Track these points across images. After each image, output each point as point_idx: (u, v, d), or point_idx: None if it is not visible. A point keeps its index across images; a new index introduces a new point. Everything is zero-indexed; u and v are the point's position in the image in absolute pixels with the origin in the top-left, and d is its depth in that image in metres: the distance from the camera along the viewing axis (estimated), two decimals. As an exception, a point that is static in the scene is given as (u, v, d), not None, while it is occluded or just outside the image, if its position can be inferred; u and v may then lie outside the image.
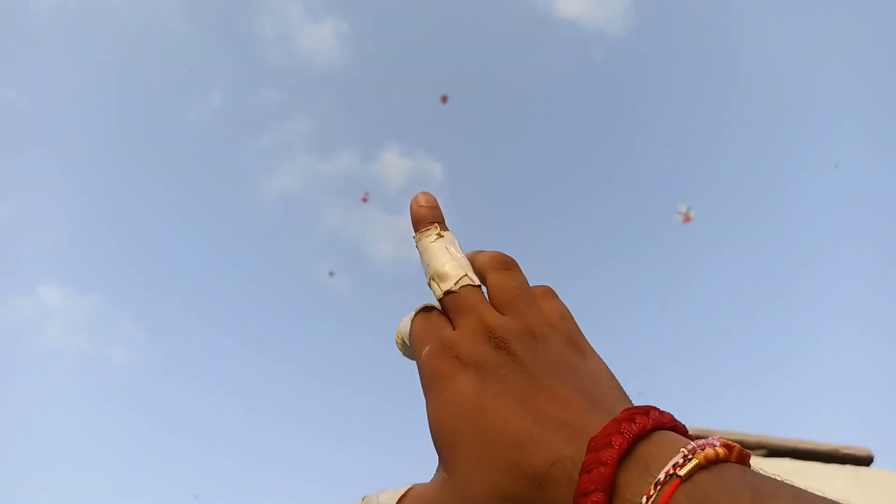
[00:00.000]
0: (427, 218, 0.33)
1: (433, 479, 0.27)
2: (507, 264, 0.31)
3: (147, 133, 27.31)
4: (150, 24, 27.26)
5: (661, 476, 0.20)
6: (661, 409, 0.23)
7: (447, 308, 0.30)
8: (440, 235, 0.32)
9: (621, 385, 0.27)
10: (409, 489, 0.28)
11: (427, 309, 0.31)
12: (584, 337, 0.29)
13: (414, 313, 0.32)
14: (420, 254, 0.32)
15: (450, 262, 0.30)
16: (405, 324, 0.32)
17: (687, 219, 15.10)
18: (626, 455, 0.21)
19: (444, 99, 16.28)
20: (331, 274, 21.18)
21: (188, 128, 27.83)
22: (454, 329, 0.29)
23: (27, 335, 26.74)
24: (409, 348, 0.32)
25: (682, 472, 0.20)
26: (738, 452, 0.21)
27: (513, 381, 0.25)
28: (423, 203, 0.33)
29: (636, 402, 0.26)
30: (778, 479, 0.20)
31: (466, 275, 0.30)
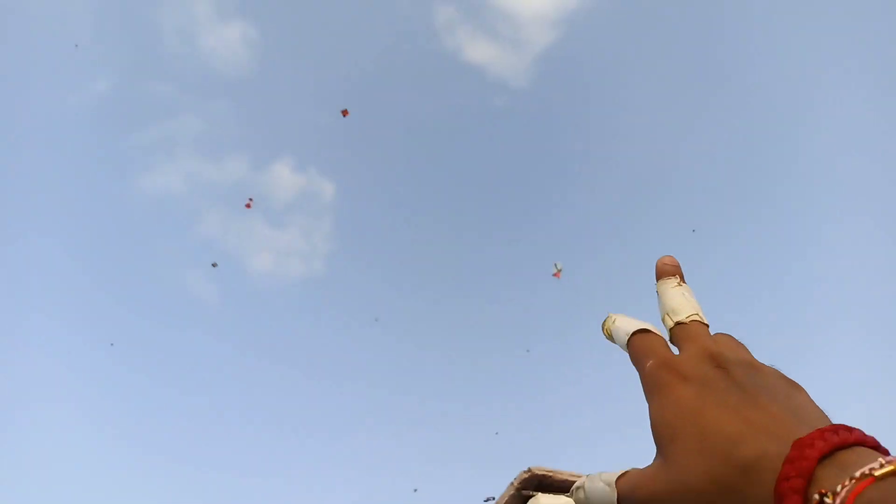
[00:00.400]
0: (670, 273, 0.39)
1: (651, 464, 0.30)
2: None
3: (18, 112, 24.66)
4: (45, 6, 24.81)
5: (857, 474, 0.22)
6: (866, 433, 0.26)
7: (676, 336, 0.36)
8: (679, 284, 0.38)
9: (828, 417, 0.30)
10: (627, 471, 0.31)
11: (645, 330, 0.36)
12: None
13: (622, 322, 0.38)
14: (659, 296, 0.38)
15: (685, 302, 0.37)
16: (616, 323, 0.38)
17: (557, 274, 15.99)
18: (826, 457, 0.24)
19: (345, 113, 15.72)
20: (214, 265, 20.31)
21: (66, 111, 25.42)
22: (679, 353, 0.34)
23: None
24: (612, 336, 0.38)
25: (877, 473, 0.22)
26: None
27: (730, 394, 0.29)
28: (668, 262, 0.40)
29: None
30: None
31: (697, 314, 0.36)
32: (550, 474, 6.32)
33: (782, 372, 0.32)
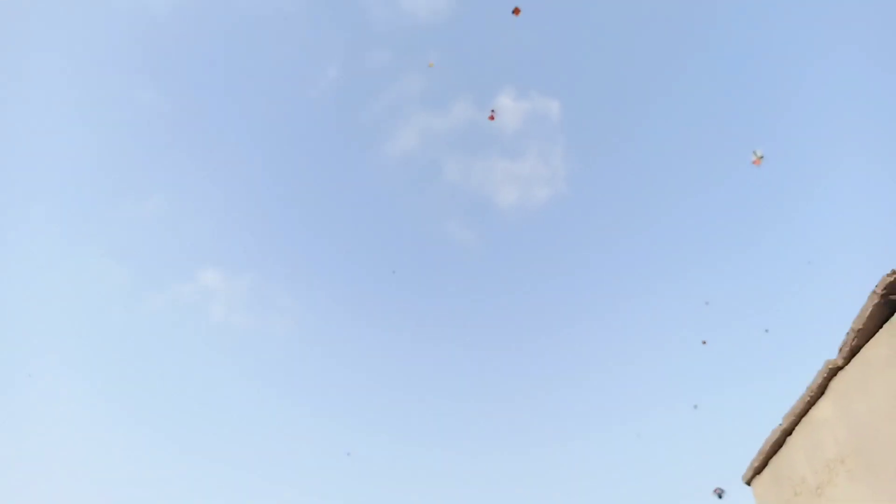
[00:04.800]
0: None
1: None
2: None
3: (274, 116, 29.04)
4: (264, 10, 28.94)
5: None
6: None
7: None
8: None
9: None
10: None
11: None
12: None
13: None
14: None
15: None
16: None
17: (757, 161, 15.93)
18: None
19: (517, 11, 15.78)
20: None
21: (309, 104, 29.39)
22: None
23: (194, 317, 29.47)
24: None
25: None
26: None
27: None
28: None
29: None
30: None
31: None
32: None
33: None
